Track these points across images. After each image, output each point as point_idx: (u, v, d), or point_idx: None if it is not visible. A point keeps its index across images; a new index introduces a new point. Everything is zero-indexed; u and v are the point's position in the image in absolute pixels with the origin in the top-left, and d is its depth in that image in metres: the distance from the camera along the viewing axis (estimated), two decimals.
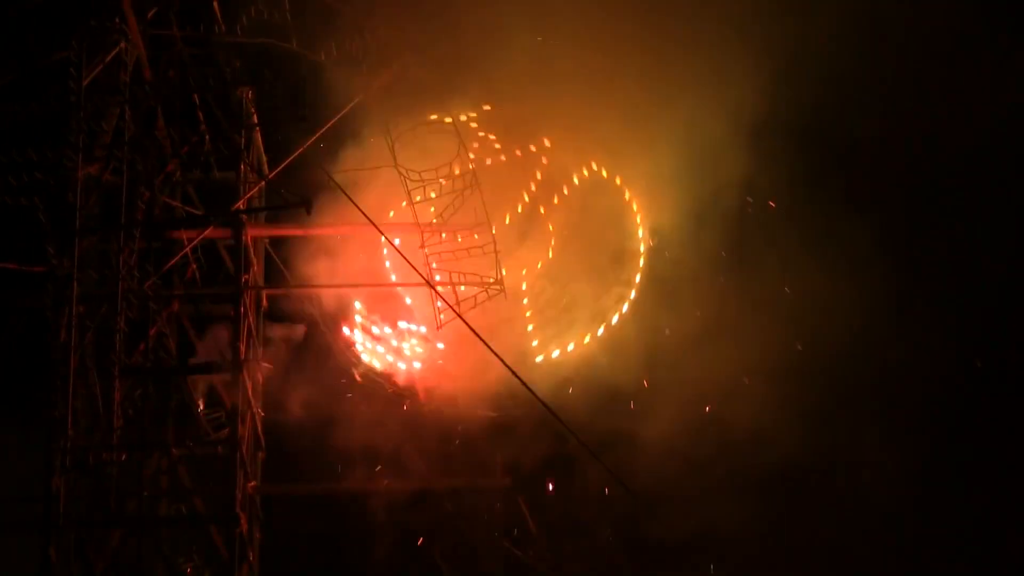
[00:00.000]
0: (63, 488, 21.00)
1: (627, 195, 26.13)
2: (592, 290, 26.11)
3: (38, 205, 21.73)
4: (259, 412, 25.39)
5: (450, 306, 23.58)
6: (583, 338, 25.95)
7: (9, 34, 21.85)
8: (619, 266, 26.17)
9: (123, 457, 22.20)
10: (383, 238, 24.15)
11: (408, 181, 24.32)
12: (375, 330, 26.13)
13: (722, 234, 26.02)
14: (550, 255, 26.12)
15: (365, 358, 26.10)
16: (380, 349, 26.13)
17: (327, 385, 25.99)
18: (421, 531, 26.67)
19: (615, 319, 25.95)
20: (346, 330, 26.04)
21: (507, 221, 25.91)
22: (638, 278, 26.08)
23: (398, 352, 26.10)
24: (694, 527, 25.62)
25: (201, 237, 24.19)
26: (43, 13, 21.97)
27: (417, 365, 26.06)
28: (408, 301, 25.97)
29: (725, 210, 25.92)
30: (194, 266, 24.80)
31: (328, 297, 25.91)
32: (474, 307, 24.17)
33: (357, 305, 26.05)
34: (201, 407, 24.57)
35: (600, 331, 25.93)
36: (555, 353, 25.94)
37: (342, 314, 26.03)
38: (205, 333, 25.18)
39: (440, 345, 25.69)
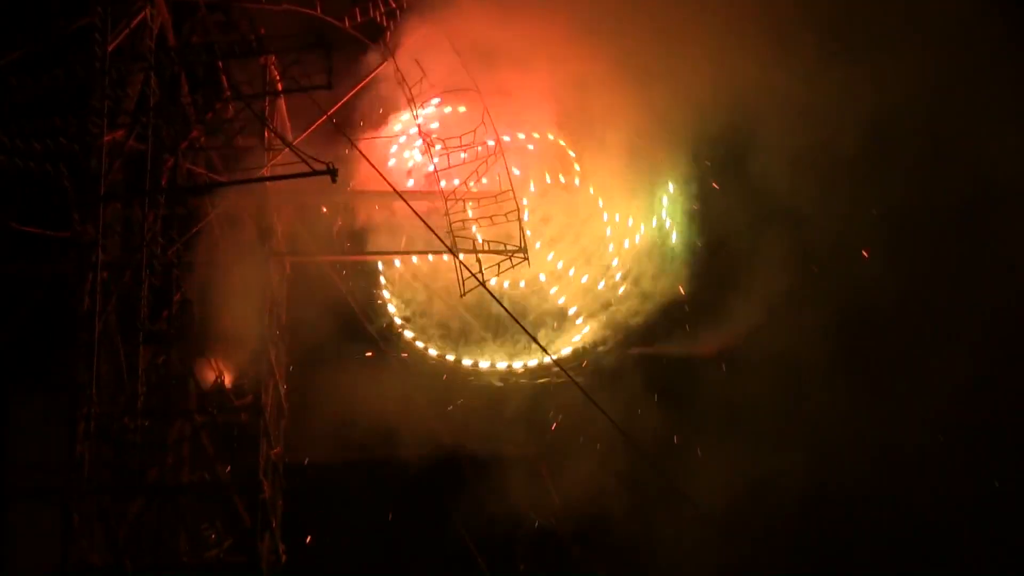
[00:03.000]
0: (86, 455, 20.99)
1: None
2: None
3: (63, 172, 21.66)
4: (282, 381, 25.40)
5: (472, 274, 23.52)
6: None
7: (34, 0, 21.79)
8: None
9: (146, 424, 22.22)
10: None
11: (432, 148, 24.27)
12: None
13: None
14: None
15: None
16: None
17: (351, 352, 25.94)
18: (443, 499, 26.68)
19: None
20: None
21: (531, 188, 25.87)
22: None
23: None
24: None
25: (225, 204, 24.14)
26: None
27: None
28: None
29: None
30: (217, 233, 24.74)
31: None
32: (498, 275, 24.13)
33: None
34: (225, 376, 24.54)
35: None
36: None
37: None
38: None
39: None
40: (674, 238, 26.29)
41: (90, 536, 21.31)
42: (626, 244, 26.30)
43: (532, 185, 26.14)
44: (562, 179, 26.24)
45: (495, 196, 24.40)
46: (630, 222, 26.33)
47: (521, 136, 26.07)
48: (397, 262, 26.29)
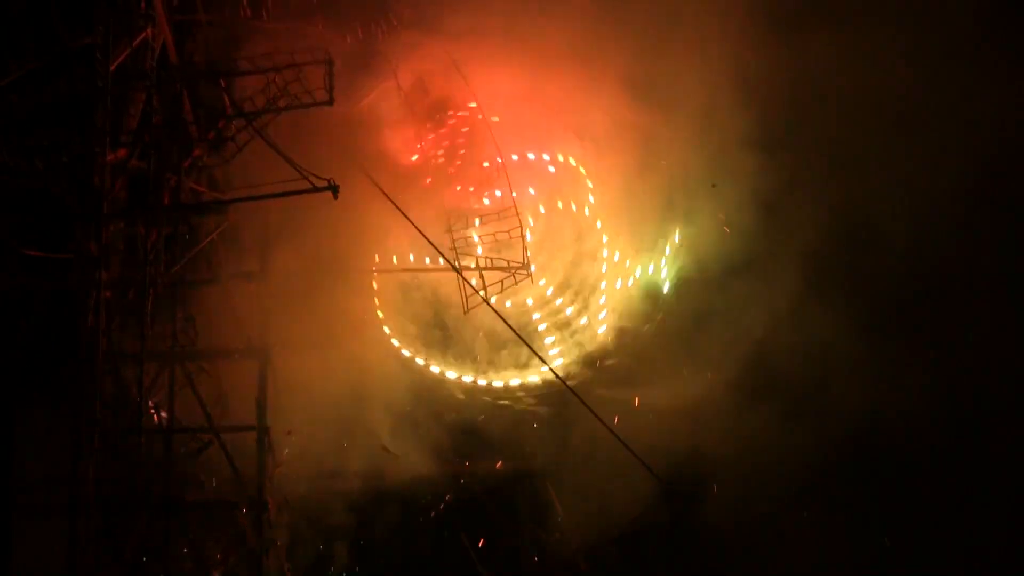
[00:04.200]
0: (91, 472, 20.99)
1: None
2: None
3: (65, 190, 21.72)
4: (287, 399, 25.37)
5: (475, 291, 23.57)
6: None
7: (36, 19, 21.85)
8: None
9: (151, 440, 22.23)
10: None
11: (435, 166, 24.36)
12: None
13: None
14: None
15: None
16: None
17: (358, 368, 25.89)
18: (449, 515, 26.65)
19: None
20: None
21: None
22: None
23: None
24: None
25: (228, 221, 24.18)
26: None
27: None
28: None
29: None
30: (221, 250, 24.76)
31: None
32: (501, 292, 24.16)
33: None
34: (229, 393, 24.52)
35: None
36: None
37: None
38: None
39: None
40: (666, 288, 26.30)
41: (96, 553, 21.27)
42: (618, 284, 26.30)
43: (542, 207, 26.16)
44: (574, 207, 26.27)
45: (498, 213, 24.46)
46: (627, 263, 26.37)
47: (546, 157, 26.12)
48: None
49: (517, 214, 24.38)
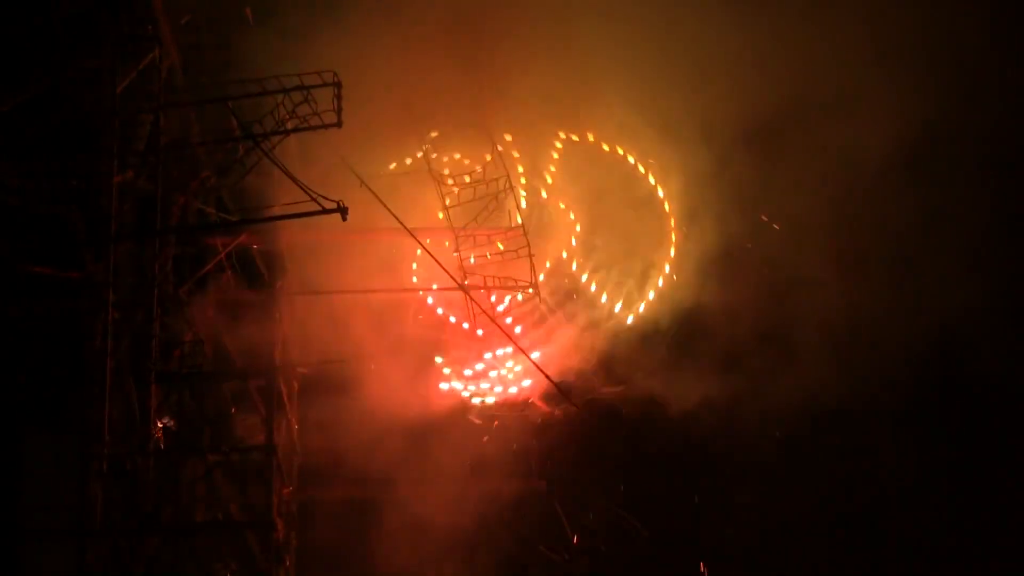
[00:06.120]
0: (99, 495, 20.97)
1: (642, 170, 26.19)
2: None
3: (73, 212, 21.74)
4: (294, 420, 25.39)
5: (483, 310, 23.59)
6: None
7: (44, 42, 21.88)
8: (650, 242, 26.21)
9: (159, 463, 22.21)
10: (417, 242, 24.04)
11: (441, 185, 24.35)
12: (467, 372, 25.95)
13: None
14: (573, 243, 26.08)
15: (475, 401, 25.93)
16: (484, 386, 25.94)
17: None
18: (457, 533, 26.63)
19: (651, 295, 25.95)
20: (443, 385, 25.94)
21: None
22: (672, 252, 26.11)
23: (502, 381, 25.87)
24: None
25: (235, 243, 24.19)
26: (77, 20, 21.97)
27: (526, 383, 25.86)
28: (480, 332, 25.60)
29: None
30: (229, 272, 24.79)
31: None
32: (509, 309, 24.18)
33: (439, 360, 25.92)
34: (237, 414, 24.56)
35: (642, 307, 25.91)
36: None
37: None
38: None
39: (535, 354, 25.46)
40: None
41: None
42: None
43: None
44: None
45: (505, 232, 24.48)
46: None
47: None
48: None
49: (524, 233, 24.37)
